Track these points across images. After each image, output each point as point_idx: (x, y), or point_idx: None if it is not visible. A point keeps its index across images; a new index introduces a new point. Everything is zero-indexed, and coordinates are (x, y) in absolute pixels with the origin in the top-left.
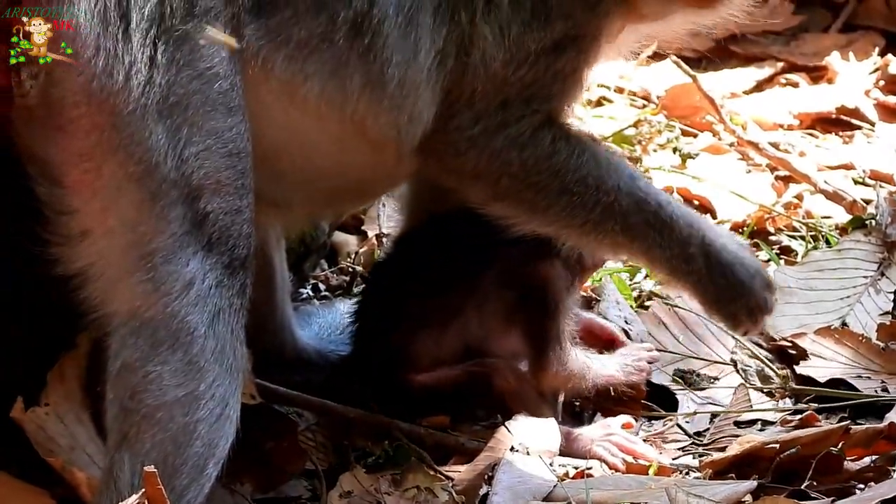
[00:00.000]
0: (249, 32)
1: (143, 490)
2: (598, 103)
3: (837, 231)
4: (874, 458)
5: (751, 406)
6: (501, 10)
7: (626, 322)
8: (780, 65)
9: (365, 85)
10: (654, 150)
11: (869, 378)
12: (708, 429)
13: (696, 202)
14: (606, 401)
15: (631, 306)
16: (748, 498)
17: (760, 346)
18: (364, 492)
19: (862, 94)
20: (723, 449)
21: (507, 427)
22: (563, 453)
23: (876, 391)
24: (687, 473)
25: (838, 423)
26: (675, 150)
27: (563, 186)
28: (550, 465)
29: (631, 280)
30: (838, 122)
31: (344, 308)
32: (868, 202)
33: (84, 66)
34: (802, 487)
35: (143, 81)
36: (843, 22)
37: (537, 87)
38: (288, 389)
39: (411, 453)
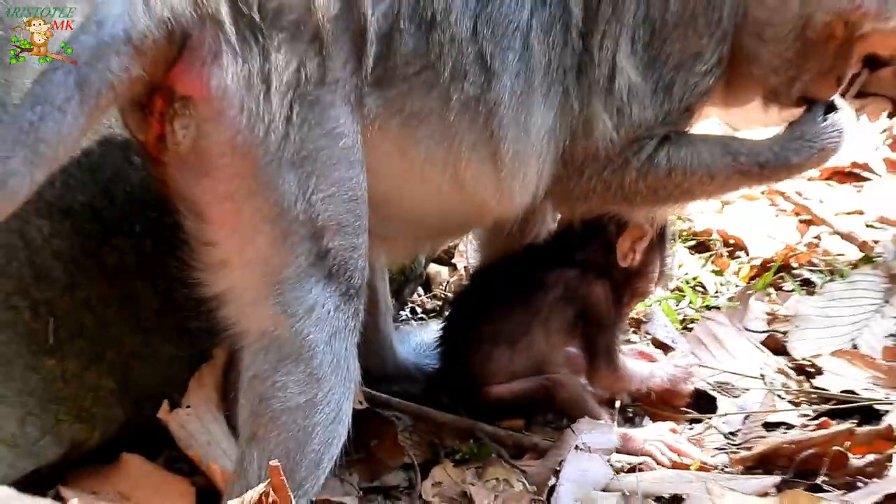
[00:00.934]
0: (370, 101)
1: (269, 480)
2: None
3: (850, 266)
4: (876, 456)
5: (775, 409)
6: (615, 97)
7: (672, 342)
8: None
9: (473, 154)
10: None
11: (874, 390)
12: (740, 429)
13: (732, 241)
14: (655, 407)
15: (677, 328)
16: (773, 490)
17: (785, 363)
18: (452, 482)
19: (872, 151)
20: (751, 448)
21: (571, 429)
22: (619, 451)
23: (879, 400)
24: (723, 469)
25: (847, 426)
26: None
27: (682, 190)
28: (608, 461)
29: (677, 305)
30: (852, 175)
31: (437, 328)
32: (876, 242)
33: (230, 122)
34: (818, 482)
35: (280, 137)
36: (858, 90)
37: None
38: (389, 397)
39: (492, 450)
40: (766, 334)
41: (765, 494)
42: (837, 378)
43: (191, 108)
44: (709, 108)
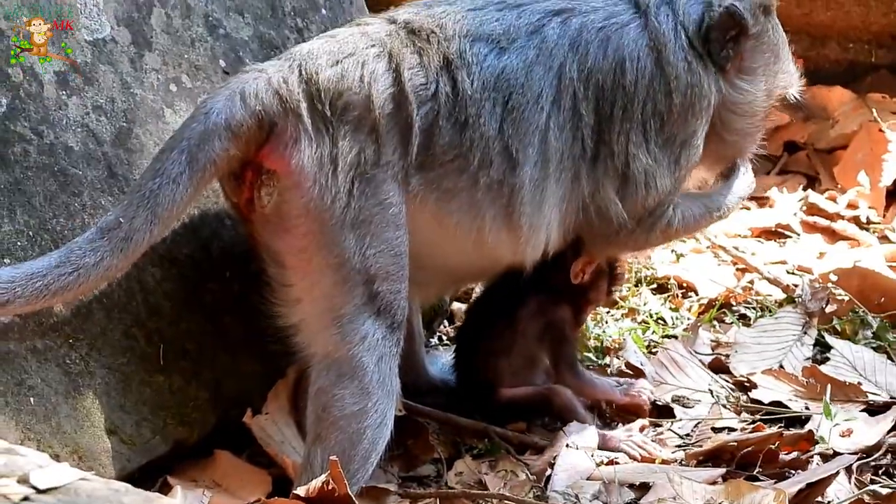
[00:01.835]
0: (413, 181)
1: (329, 471)
2: None
3: (777, 304)
4: (799, 453)
5: (721, 416)
6: (630, 181)
7: (641, 364)
8: None
9: (494, 223)
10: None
11: (797, 401)
12: (693, 432)
13: (685, 284)
14: (627, 414)
15: (644, 354)
16: (719, 479)
17: (727, 380)
18: (470, 473)
19: (791, 215)
20: (702, 446)
21: (563, 431)
22: (600, 448)
23: (800, 409)
24: (680, 463)
25: (776, 430)
26: (672, 251)
27: (680, 237)
28: (591, 456)
29: (643, 335)
30: (777, 233)
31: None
32: (796, 286)
33: (305, 191)
34: (755, 473)
35: (343, 205)
36: (780, 168)
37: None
38: (421, 406)
39: (501, 448)
40: (712, 357)
41: (713, 482)
42: (768, 391)
43: (275, 179)
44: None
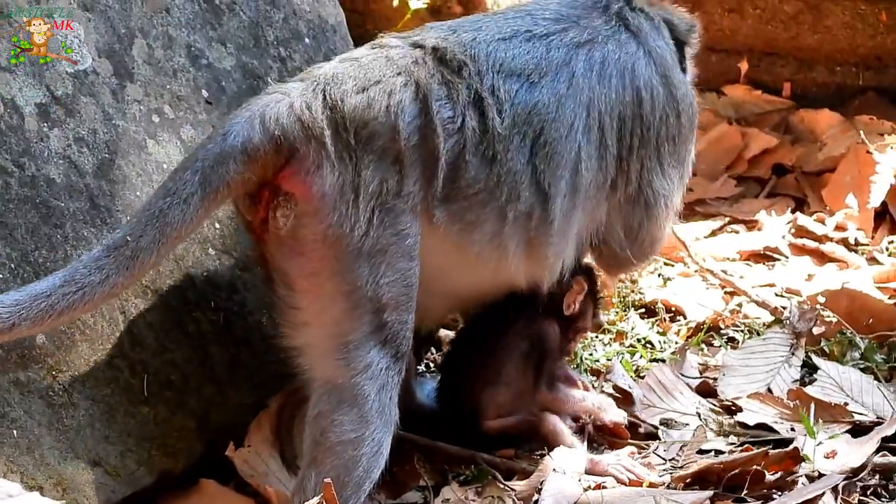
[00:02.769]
0: (437, 213)
1: (322, 494)
2: None
3: (764, 327)
4: (785, 474)
5: (707, 439)
6: (641, 205)
7: (629, 388)
8: (727, 219)
9: (516, 252)
10: (648, 275)
11: (783, 423)
12: (680, 455)
13: (673, 308)
14: (614, 438)
15: (632, 377)
16: (707, 502)
17: (714, 404)
18: (458, 499)
19: (780, 238)
20: (689, 469)
21: (550, 456)
22: (587, 473)
23: (786, 431)
24: (668, 486)
25: (762, 450)
26: (659, 275)
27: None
28: (579, 480)
29: (631, 359)
30: (765, 256)
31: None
32: (784, 308)
33: (324, 218)
34: (742, 495)
35: (362, 233)
36: (769, 191)
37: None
38: (410, 434)
39: (489, 474)
40: (699, 380)
41: None
42: (755, 414)
43: (292, 202)
44: None
